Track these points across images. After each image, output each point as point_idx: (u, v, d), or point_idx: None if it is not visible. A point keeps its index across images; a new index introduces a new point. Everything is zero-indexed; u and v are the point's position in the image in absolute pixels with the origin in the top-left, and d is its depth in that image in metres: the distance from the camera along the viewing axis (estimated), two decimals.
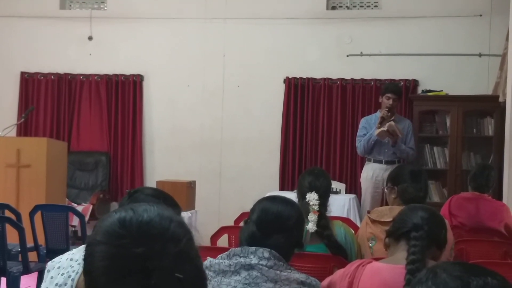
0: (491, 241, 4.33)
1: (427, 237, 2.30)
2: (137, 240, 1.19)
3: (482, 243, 4.21)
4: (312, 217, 3.30)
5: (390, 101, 6.68)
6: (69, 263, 2.14)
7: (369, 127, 6.79)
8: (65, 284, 2.09)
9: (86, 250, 1.24)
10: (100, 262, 1.19)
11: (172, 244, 1.21)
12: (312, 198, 3.36)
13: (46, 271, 2.17)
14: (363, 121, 6.99)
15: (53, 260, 2.20)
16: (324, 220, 3.34)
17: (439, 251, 2.38)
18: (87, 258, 1.23)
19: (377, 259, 2.41)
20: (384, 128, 6.48)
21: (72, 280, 2.09)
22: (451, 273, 1.21)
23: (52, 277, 2.13)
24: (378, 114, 6.78)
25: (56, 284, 2.10)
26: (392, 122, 6.51)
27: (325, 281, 2.40)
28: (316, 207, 3.33)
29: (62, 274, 2.11)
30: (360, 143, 6.78)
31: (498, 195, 5.92)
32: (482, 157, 7.29)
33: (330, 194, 3.64)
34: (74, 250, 2.22)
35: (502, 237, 4.47)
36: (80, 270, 2.10)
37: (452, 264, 1.27)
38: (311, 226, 3.28)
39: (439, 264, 1.27)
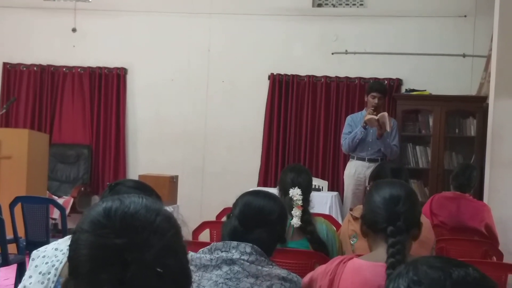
0: (471, 240, 4.35)
1: (405, 227, 2.23)
2: (119, 231, 1.18)
3: (463, 242, 4.23)
4: (297, 212, 3.30)
5: (376, 100, 6.67)
6: (54, 252, 2.15)
7: (354, 125, 6.80)
8: (49, 273, 2.10)
9: (72, 237, 1.24)
10: (82, 251, 1.19)
11: (156, 237, 1.19)
12: (296, 193, 3.37)
13: (30, 260, 2.19)
14: (348, 119, 7.00)
15: (38, 249, 2.21)
16: (307, 215, 3.35)
17: (419, 230, 2.32)
18: (71, 245, 1.23)
19: (358, 256, 2.38)
20: (375, 117, 6.47)
21: (56, 269, 2.10)
22: (431, 265, 1.22)
23: (36, 266, 2.15)
24: (364, 112, 6.78)
25: (40, 273, 2.11)
26: (385, 113, 6.51)
27: (306, 278, 2.39)
28: (300, 202, 3.34)
29: (46, 263, 2.13)
30: (345, 141, 6.78)
31: (479, 195, 5.96)
32: (464, 157, 7.34)
33: (312, 191, 3.64)
34: (60, 240, 2.24)
35: (482, 237, 4.51)
36: (64, 259, 2.11)
37: (431, 257, 1.28)
38: (295, 221, 3.29)
39: (418, 258, 1.28)
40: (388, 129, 6.50)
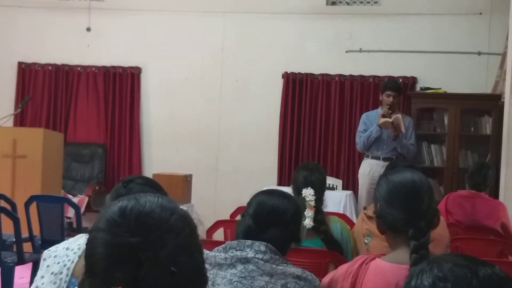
0: (487, 239, 4.32)
1: (428, 228, 2.09)
2: (134, 230, 1.19)
3: (478, 241, 4.20)
4: (309, 213, 3.28)
5: (391, 99, 6.61)
6: (65, 252, 2.16)
7: (369, 123, 6.75)
8: (61, 273, 2.10)
9: (89, 235, 1.25)
10: (98, 249, 1.20)
11: (170, 236, 1.20)
12: (308, 193, 3.34)
13: (42, 260, 2.19)
14: (363, 117, 6.94)
15: (49, 249, 2.22)
16: (320, 215, 3.33)
17: (437, 217, 2.16)
18: (88, 244, 1.25)
19: (380, 255, 2.28)
20: (390, 120, 6.43)
21: (68, 269, 2.10)
22: (457, 262, 1.19)
23: (48, 266, 2.15)
24: (380, 111, 6.74)
25: (52, 273, 2.11)
26: (399, 115, 6.46)
27: (327, 278, 2.35)
28: (312, 203, 3.32)
29: (58, 263, 2.13)
30: (360, 139, 6.74)
31: (495, 194, 5.91)
32: (479, 155, 7.29)
33: (326, 189, 3.62)
34: (71, 240, 2.24)
35: (498, 236, 4.47)
36: (76, 259, 2.12)
37: (455, 255, 1.25)
38: (308, 222, 3.27)
39: (441, 256, 1.25)
40: (403, 130, 6.46)
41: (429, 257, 1.92)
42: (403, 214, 2.11)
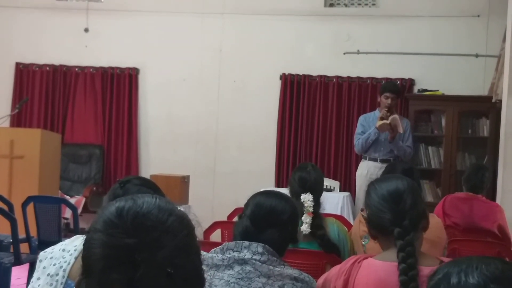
0: (484, 241, 4.33)
1: (412, 227, 2.20)
2: (130, 231, 1.19)
3: (475, 243, 4.20)
4: (307, 219, 3.27)
5: (389, 101, 6.62)
6: (61, 253, 2.15)
7: (367, 125, 6.76)
8: (57, 274, 2.10)
9: (86, 236, 1.25)
10: (95, 250, 1.20)
11: (167, 237, 1.20)
12: (307, 199, 3.32)
13: (38, 261, 2.18)
14: (361, 119, 6.96)
15: (45, 250, 2.21)
16: (317, 219, 3.31)
17: (426, 220, 2.29)
18: (85, 244, 1.24)
19: (372, 255, 2.35)
20: (387, 121, 6.44)
21: (64, 270, 2.10)
22: (504, 265, 1.15)
23: (44, 267, 2.14)
24: (377, 113, 6.75)
25: (48, 274, 2.11)
26: (396, 116, 6.48)
27: (321, 279, 2.37)
28: (311, 209, 3.30)
29: (54, 265, 2.12)
30: (358, 141, 6.74)
31: (492, 196, 5.92)
32: (476, 157, 7.30)
33: (323, 191, 3.60)
34: (67, 241, 2.23)
35: (495, 238, 4.48)
36: (72, 260, 2.11)
37: (495, 257, 1.20)
38: (305, 228, 3.25)
39: (480, 256, 1.20)
40: (400, 130, 6.47)
41: (416, 254, 2.11)
42: (389, 216, 2.25)
